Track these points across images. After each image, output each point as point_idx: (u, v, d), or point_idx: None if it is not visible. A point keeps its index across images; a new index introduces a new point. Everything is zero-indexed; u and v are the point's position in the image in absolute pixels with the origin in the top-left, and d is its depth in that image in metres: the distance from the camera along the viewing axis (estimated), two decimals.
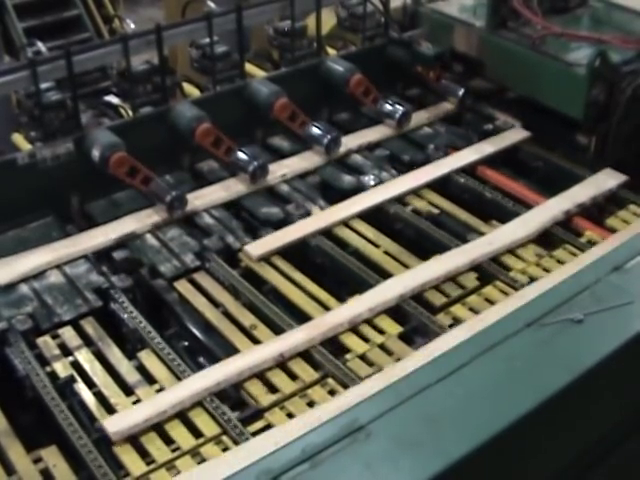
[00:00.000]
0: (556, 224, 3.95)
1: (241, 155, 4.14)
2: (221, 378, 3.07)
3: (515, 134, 4.66)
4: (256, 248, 3.74)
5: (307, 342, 3.24)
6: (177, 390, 3.04)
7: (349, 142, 4.51)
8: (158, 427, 2.93)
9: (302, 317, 3.42)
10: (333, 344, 3.28)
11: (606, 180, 4.23)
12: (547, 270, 3.64)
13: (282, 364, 3.18)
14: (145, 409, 2.96)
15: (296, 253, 3.78)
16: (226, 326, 3.37)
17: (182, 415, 2.97)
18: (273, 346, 3.22)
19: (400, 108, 4.61)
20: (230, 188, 4.14)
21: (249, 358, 3.17)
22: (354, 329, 3.34)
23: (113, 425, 2.89)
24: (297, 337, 3.26)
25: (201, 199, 4.04)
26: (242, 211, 4.08)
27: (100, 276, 3.58)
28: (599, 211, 4.10)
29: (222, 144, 4.12)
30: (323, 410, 2.79)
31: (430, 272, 3.61)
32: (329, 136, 4.35)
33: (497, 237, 3.85)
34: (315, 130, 4.38)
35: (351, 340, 3.29)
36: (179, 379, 3.08)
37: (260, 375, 3.12)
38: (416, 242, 3.90)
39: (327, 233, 3.90)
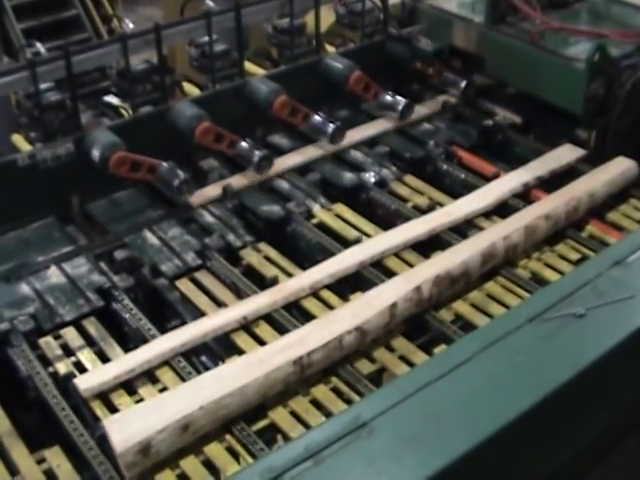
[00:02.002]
0: (514, 196, 4.06)
1: (245, 145, 4.15)
2: (187, 339, 3.20)
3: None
4: None
5: (269, 306, 3.37)
6: (145, 350, 3.16)
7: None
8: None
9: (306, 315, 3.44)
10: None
11: (565, 154, 4.36)
12: (549, 265, 3.65)
13: (245, 327, 3.31)
14: (114, 368, 3.08)
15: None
16: None
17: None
18: (237, 310, 3.34)
19: (402, 100, 4.61)
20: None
21: (213, 320, 3.30)
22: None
23: (84, 382, 3.01)
24: (260, 301, 3.38)
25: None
26: (243, 209, 4.08)
27: (102, 276, 3.58)
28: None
29: (224, 139, 4.12)
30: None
31: (390, 240, 3.75)
32: (333, 125, 4.35)
33: (456, 208, 3.98)
34: (319, 118, 4.38)
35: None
36: (183, 380, 3.08)
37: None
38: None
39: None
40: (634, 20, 4.78)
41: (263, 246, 3.79)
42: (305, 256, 3.81)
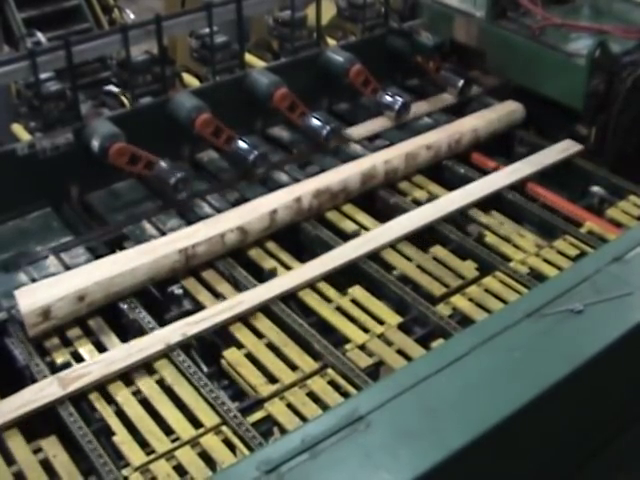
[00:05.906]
0: None
1: (242, 144, 4.14)
2: None
3: None
4: None
5: None
6: None
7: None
8: None
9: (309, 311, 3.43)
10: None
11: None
12: (547, 261, 3.65)
13: None
14: None
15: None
16: None
17: None
18: None
19: (399, 99, 4.61)
20: None
21: None
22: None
23: None
24: None
25: None
26: (242, 201, 4.07)
27: None
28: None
29: (222, 134, 4.11)
30: None
31: None
32: (328, 127, 4.34)
33: None
34: (314, 121, 4.37)
35: (351, 330, 3.30)
36: (183, 375, 3.10)
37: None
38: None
39: None
40: (635, 16, 4.78)
41: (262, 239, 3.79)
42: (304, 249, 3.81)
